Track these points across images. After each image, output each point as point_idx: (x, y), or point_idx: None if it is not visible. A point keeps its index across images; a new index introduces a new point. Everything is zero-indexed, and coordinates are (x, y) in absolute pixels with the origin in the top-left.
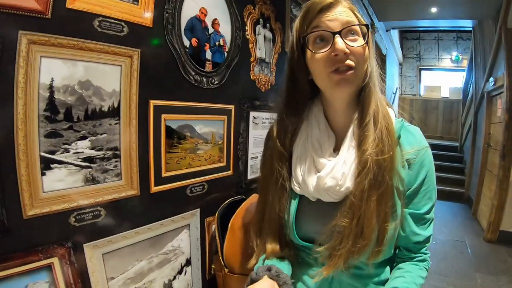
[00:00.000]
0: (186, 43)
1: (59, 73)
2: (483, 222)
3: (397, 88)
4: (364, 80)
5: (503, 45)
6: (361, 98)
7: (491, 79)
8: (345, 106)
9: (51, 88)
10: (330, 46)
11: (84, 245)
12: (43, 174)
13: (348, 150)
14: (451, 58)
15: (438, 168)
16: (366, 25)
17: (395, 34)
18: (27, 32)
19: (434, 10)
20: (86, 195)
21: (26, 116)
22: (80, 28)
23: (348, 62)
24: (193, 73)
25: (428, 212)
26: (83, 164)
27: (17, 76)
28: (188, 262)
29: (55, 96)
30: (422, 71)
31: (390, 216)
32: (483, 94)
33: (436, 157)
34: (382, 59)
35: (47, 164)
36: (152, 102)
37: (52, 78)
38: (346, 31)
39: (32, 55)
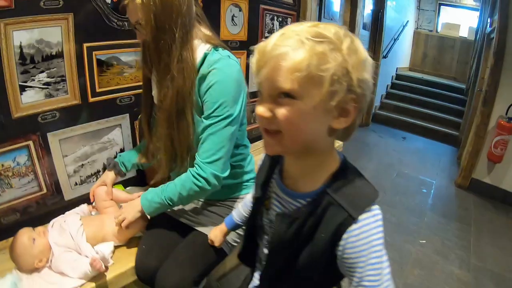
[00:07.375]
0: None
1: (24, 38)
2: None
3: (407, 21)
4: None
5: None
6: None
7: (489, 20)
8: None
9: (20, 47)
10: None
11: (47, 133)
12: (21, 94)
13: None
14: None
15: (438, 108)
16: None
17: None
18: (3, 19)
19: None
20: (47, 104)
21: (9, 64)
22: (33, 9)
23: None
24: (116, 20)
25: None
26: (43, 86)
27: (0, 44)
28: (122, 151)
29: (24, 51)
30: (442, 7)
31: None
32: (484, 36)
33: (440, 97)
34: None
35: (22, 88)
36: (85, 45)
37: (20, 42)
38: None
39: (7, 31)
